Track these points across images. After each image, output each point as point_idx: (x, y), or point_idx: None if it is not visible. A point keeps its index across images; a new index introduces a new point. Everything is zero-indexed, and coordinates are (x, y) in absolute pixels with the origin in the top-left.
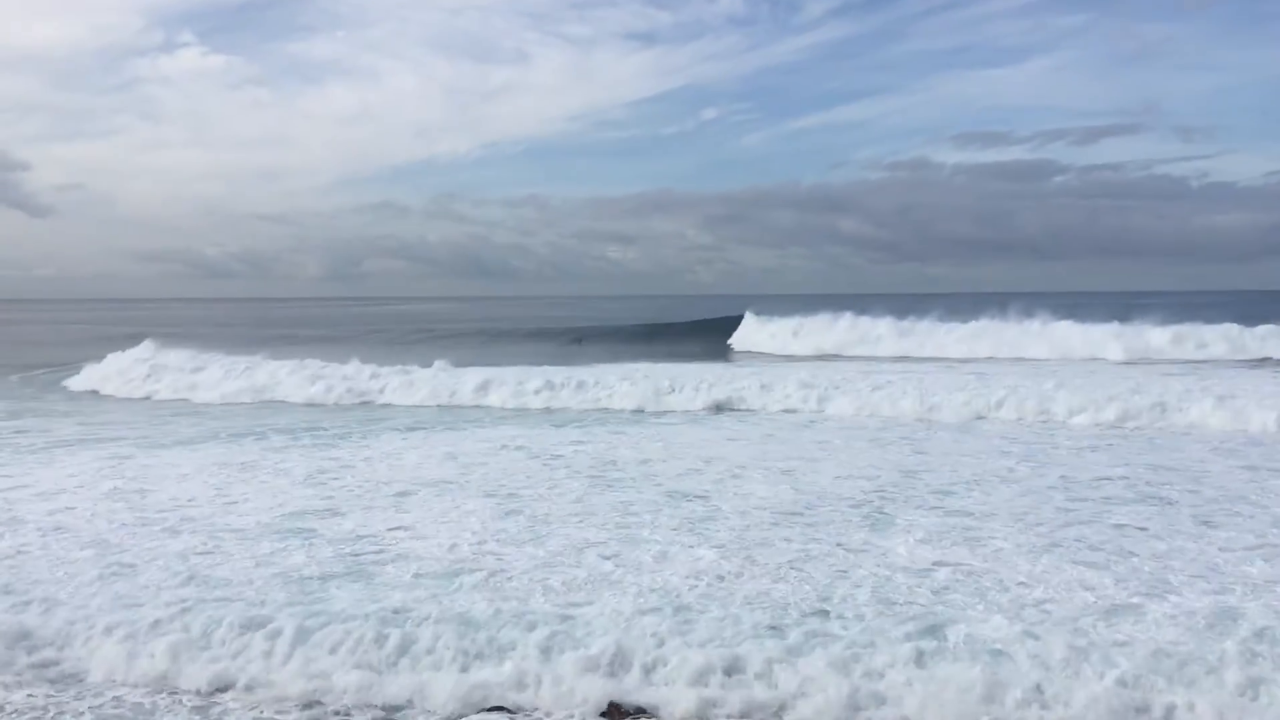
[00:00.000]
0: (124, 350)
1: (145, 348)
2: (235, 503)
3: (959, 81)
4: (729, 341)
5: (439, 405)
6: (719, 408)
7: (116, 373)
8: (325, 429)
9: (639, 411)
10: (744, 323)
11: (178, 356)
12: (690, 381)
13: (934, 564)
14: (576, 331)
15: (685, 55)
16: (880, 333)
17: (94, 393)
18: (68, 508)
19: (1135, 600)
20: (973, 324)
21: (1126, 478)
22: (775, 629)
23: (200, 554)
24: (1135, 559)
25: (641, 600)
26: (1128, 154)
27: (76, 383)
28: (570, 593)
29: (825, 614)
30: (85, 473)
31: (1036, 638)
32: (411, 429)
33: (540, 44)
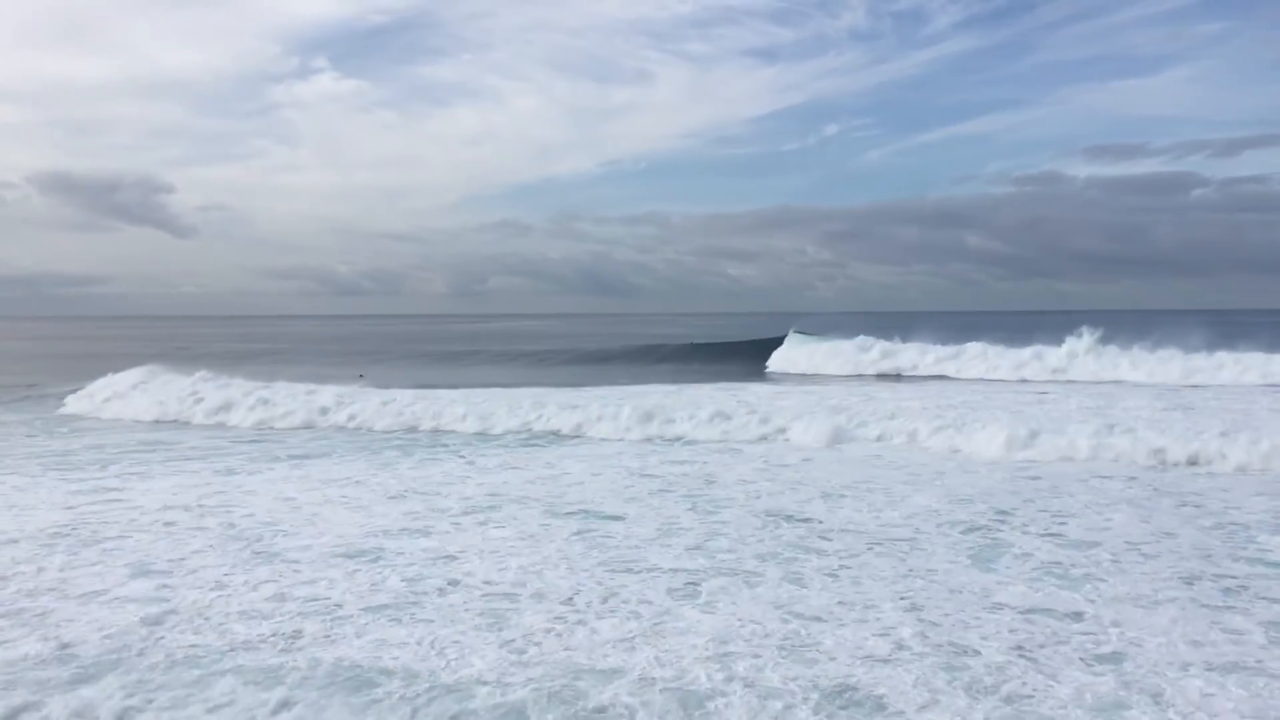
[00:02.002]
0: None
1: (140, 371)
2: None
3: (1092, 93)
4: (767, 362)
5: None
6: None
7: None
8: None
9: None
10: (785, 342)
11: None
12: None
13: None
14: (660, 351)
15: (806, 71)
16: (915, 355)
17: (76, 415)
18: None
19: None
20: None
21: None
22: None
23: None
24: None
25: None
26: (1273, 165)
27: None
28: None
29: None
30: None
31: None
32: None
33: (661, 63)
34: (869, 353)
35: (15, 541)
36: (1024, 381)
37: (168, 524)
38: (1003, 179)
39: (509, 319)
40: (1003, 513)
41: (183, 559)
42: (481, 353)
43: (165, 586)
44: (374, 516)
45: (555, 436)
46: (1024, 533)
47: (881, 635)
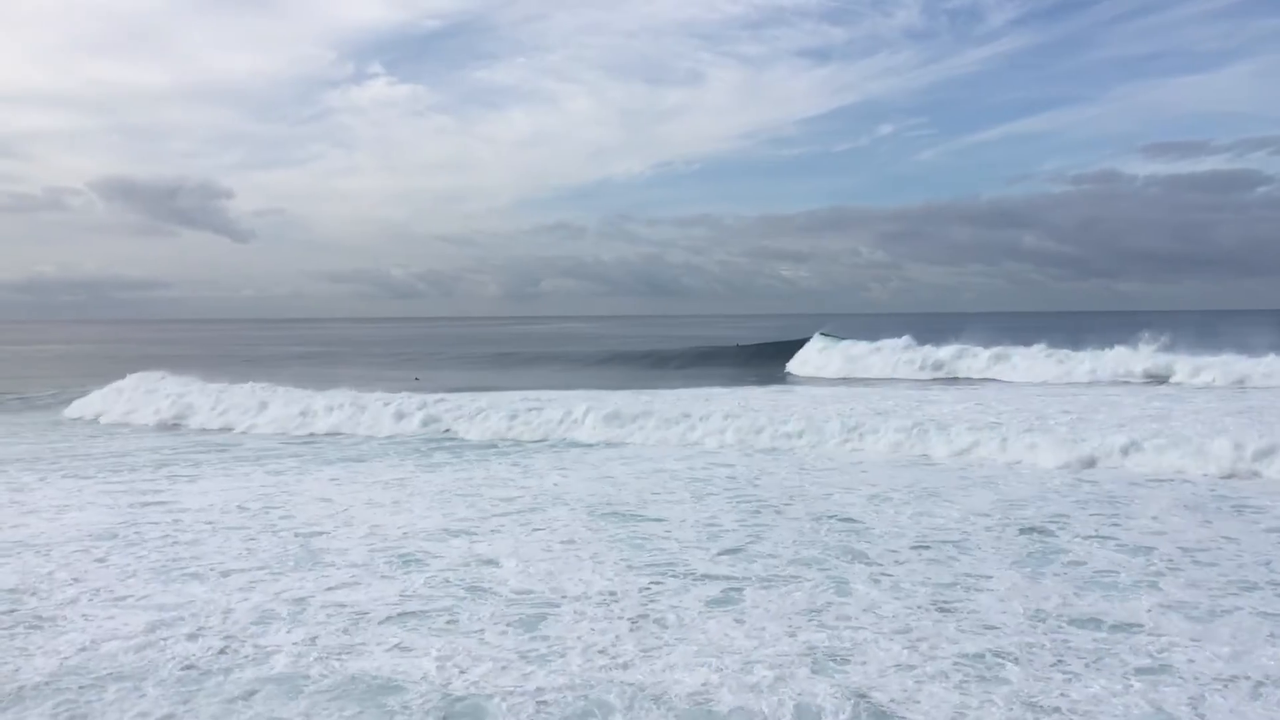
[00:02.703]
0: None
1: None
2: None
3: (1151, 90)
4: (788, 365)
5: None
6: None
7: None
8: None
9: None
10: (808, 345)
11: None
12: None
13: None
14: (683, 355)
15: (860, 71)
16: (941, 358)
17: (86, 420)
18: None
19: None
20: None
21: None
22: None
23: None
24: None
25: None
26: None
27: (73, 409)
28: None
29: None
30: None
31: None
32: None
33: (713, 64)
34: (899, 355)
35: (61, 544)
36: (1068, 385)
37: (209, 522)
38: (1059, 178)
39: (559, 321)
40: (1057, 516)
41: (221, 562)
42: (519, 354)
43: (197, 591)
44: (416, 519)
45: (591, 444)
46: (1077, 537)
47: (918, 644)
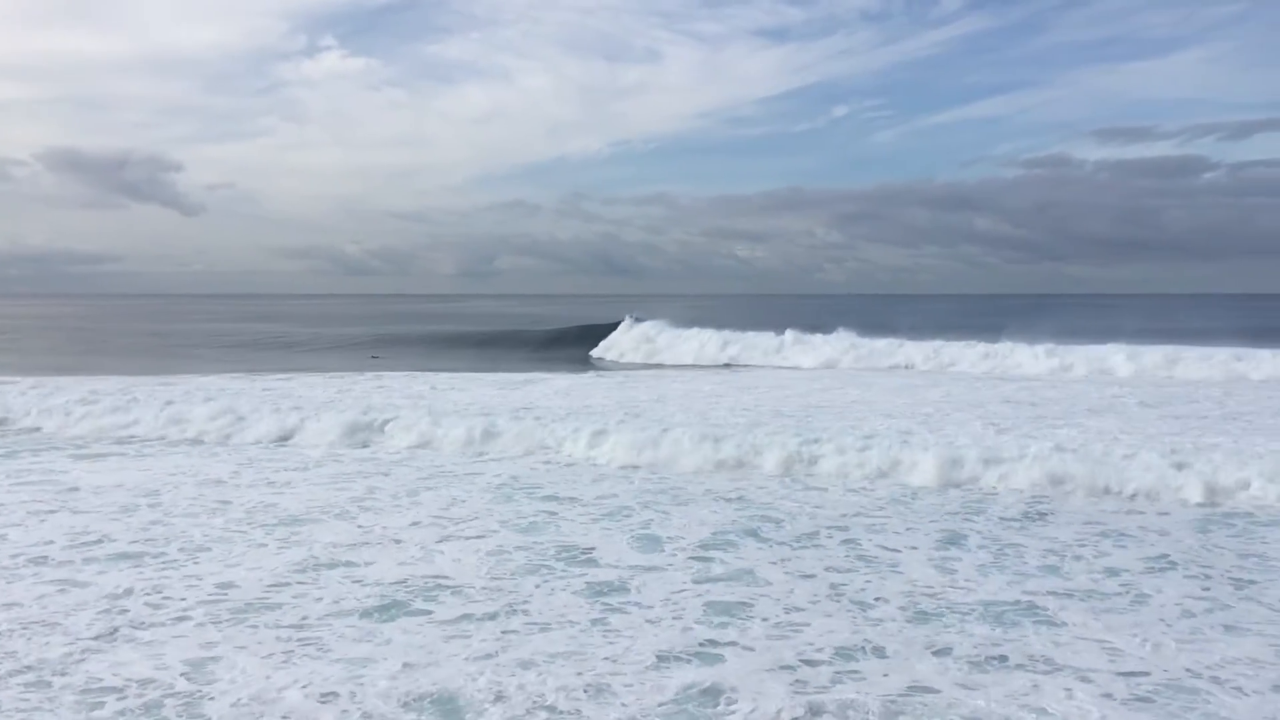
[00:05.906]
0: None
1: None
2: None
3: (1102, 75)
4: (593, 351)
5: None
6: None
7: None
8: None
9: None
10: (618, 329)
11: None
12: None
13: None
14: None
15: (817, 51)
16: (754, 345)
17: None
18: None
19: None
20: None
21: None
22: None
23: None
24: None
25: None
26: None
27: None
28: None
29: None
30: None
31: None
32: None
33: (671, 42)
34: (708, 343)
35: None
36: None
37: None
38: (1012, 161)
39: (515, 300)
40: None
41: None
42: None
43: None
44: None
45: None
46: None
47: (798, 636)
